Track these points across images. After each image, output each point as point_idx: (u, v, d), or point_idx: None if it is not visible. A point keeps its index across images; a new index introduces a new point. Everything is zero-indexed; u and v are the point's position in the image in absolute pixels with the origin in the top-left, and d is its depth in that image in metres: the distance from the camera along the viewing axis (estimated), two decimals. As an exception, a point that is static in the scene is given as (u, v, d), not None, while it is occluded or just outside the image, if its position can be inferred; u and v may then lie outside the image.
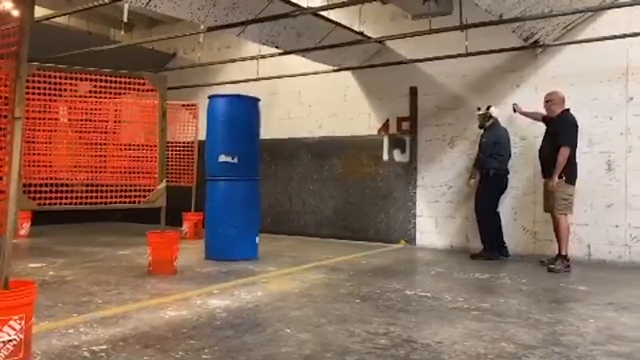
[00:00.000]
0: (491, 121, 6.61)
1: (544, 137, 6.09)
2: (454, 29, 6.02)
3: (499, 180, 6.55)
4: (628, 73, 6.32)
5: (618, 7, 5.84)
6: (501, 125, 6.67)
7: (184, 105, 8.72)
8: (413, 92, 7.77)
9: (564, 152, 5.67)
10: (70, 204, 4.96)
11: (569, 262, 5.75)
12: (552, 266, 5.69)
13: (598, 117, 6.42)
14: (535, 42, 6.52)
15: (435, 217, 7.61)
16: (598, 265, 6.22)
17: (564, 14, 5.71)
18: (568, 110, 5.92)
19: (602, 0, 6.04)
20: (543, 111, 6.26)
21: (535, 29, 6.27)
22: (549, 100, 6.01)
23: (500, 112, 6.68)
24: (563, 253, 5.77)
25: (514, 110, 6.66)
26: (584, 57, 6.52)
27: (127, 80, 5.22)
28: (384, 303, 4.14)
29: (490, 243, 6.52)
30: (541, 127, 6.69)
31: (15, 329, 2.50)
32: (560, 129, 5.79)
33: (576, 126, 5.82)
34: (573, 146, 5.77)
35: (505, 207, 6.88)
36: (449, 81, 7.49)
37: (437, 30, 6.13)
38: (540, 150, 6.10)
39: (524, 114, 6.61)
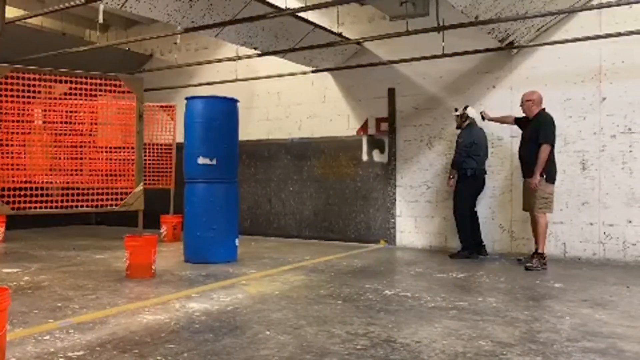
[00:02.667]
0: (468, 121, 6.64)
1: (522, 138, 6.13)
2: (431, 30, 6.08)
3: (476, 180, 6.60)
4: (601, 74, 6.45)
5: (589, 9, 5.96)
6: (478, 126, 6.72)
7: (161, 106, 8.64)
8: (391, 93, 7.82)
9: (545, 150, 5.71)
10: (46, 207, 4.88)
11: (545, 259, 5.83)
12: (529, 264, 5.77)
13: (572, 117, 6.54)
14: (511, 43, 6.62)
15: (415, 217, 7.66)
16: (573, 262, 6.33)
17: (538, 16, 5.80)
18: (544, 109, 5.97)
19: (574, 3, 6.16)
20: (513, 114, 6.36)
21: (510, 31, 6.36)
22: (529, 100, 6.00)
23: (477, 113, 6.74)
24: (540, 251, 5.84)
25: (482, 118, 6.67)
26: (558, 58, 6.64)
27: (103, 81, 5.16)
28: (364, 303, 4.15)
29: (468, 242, 6.57)
30: (517, 127, 6.80)
31: (-12, 337, 2.45)
32: (539, 128, 5.82)
33: (554, 125, 5.87)
34: (552, 144, 5.82)
35: (483, 206, 6.97)
36: (426, 82, 7.56)
37: (415, 32, 6.19)
38: (519, 151, 6.12)
39: (494, 120, 6.64)
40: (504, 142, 6.96)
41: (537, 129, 5.84)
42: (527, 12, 5.86)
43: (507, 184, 6.95)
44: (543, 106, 6.00)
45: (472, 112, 6.69)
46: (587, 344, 3.16)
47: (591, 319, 3.73)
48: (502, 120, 6.58)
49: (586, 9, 6.07)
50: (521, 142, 6.13)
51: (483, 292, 4.62)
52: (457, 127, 6.79)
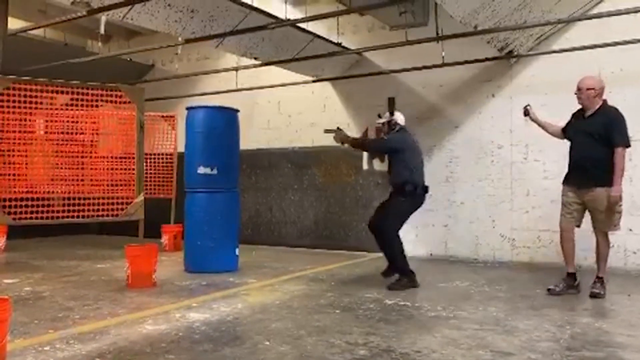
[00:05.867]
0: (397, 128, 5.62)
1: (577, 137, 4.91)
2: (430, 40, 6.11)
3: (417, 197, 5.44)
4: (600, 82, 6.45)
5: (588, 19, 6.00)
6: (409, 132, 5.76)
7: (162, 116, 8.68)
8: (391, 102, 7.84)
9: (623, 154, 4.62)
10: (47, 218, 4.91)
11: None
12: (595, 291, 4.80)
13: (572, 126, 6.54)
14: (510, 52, 6.65)
15: (415, 226, 7.64)
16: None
17: (537, 25, 5.84)
18: (607, 101, 4.87)
19: (573, 12, 6.20)
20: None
21: (509, 40, 6.40)
22: (590, 89, 4.78)
23: (402, 117, 5.71)
24: (601, 275, 4.91)
25: (525, 114, 5.33)
26: (557, 67, 6.66)
27: (105, 92, 5.19)
28: (364, 313, 4.16)
29: (405, 265, 5.36)
30: (518, 135, 6.81)
31: (-12, 348, 2.46)
32: (612, 126, 4.68)
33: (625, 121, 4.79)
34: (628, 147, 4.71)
35: (483, 214, 6.98)
36: (426, 91, 7.59)
37: (414, 42, 6.23)
38: (576, 153, 4.91)
39: (537, 122, 5.34)
40: (504, 150, 6.97)
41: (606, 127, 4.69)
42: (526, 22, 5.90)
43: (507, 192, 6.95)
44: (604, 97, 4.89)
45: (400, 117, 5.68)
46: (587, 353, 3.16)
47: (591, 328, 3.73)
48: (546, 128, 5.32)
49: (585, 18, 6.11)
50: (577, 142, 4.92)
51: (483, 301, 4.61)
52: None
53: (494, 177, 6.97)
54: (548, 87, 6.67)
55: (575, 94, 4.89)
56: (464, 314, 4.12)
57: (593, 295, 4.75)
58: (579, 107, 5.01)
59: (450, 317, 4.03)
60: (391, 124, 5.62)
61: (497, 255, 6.95)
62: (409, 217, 5.47)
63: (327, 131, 5.95)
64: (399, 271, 5.35)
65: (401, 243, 5.38)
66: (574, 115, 5.07)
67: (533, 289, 5.19)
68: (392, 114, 5.70)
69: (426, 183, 5.52)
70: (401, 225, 5.41)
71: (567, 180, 5.00)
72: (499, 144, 7.00)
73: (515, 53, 6.69)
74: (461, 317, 4.01)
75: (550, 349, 3.24)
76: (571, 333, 3.60)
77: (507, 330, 3.66)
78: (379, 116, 5.82)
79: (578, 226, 5.00)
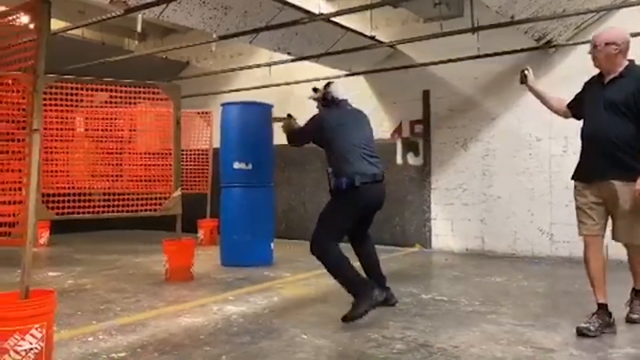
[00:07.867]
0: (335, 102, 4.24)
1: (596, 110, 3.55)
2: (465, 31, 6.01)
3: (358, 193, 3.92)
4: (643, 71, 6.24)
5: (629, 6, 5.79)
6: (352, 107, 4.36)
7: (198, 113, 8.80)
8: (425, 95, 7.76)
9: None
10: (88, 212, 5.04)
11: None
12: (634, 316, 3.67)
13: (613, 117, 6.34)
14: (548, 42, 6.48)
15: (451, 220, 7.58)
16: (616, 265, 6.13)
17: (576, 14, 5.67)
18: (633, 61, 3.63)
19: (614, 0, 6.00)
20: (557, 94, 4.19)
21: (547, 30, 6.24)
22: (610, 43, 3.51)
23: (344, 91, 4.43)
24: (638, 287, 3.78)
25: (521, 80, 4.10)
26: (597, 57, 6.46)
27: (142, 89, 5.29)
28: (400, 307, 4.14)
29: (352, 285, 3.81)
30: (557, 128, 6.64)
31: (36, 338, 2.54)
32: None
33: None
34: None
35: (521, 208, 6.85)
36: (461, 84, 7.47)
37: (449, 33, 6.13)
38: (593, 133, 3.54)
39: (536, 93, 4.11)
40: (542, 142, 6.81)
41: (635, 94, 3.40)
42: (565, 10, 5.74)
43: (546, 185, 6.80)
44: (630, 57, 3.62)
45: (336, 90, 4.26)
46: (632, 350, 3.07)
47: (636, 325, 3.62)
48: (546, 100, 4.09)
49: (626, 6, 5.91)
50: (593, 117, 3.59)
51: (522, 297, 4.53)
52: None
53: (532, 171, 6.82)
54: (587, 78, 6.46)
55: (590, 52, 3.64)
56: (502, 309, 4.06)
57: (632, 321, 3.60)
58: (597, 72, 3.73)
59: (488, 312, 3.97)
60: (327, 96, 4.22)
61: (535, 250, 6.81)
62: (348, 222, 4.06)
63: (275, 120, 4.76)
64: (351, 293, 3.81)
65: (338, 256, 3.89)
66: (587, 83, 3.82)
67: (573, 284, 5.06)
68: (328, 85, 4.30)
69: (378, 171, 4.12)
70: (336, 235, 4.00)
71: (578, 173, 3.67)
72: (537, 136, 6.84)
73: (554, 43, 6.51)
74: (500, 313, 3.95)
75: (594, 346, 3.16)
76: (615, 330, 3.50)
77: (547, 326, 3.58)
78: (315, 90, 4.40)
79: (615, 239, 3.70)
